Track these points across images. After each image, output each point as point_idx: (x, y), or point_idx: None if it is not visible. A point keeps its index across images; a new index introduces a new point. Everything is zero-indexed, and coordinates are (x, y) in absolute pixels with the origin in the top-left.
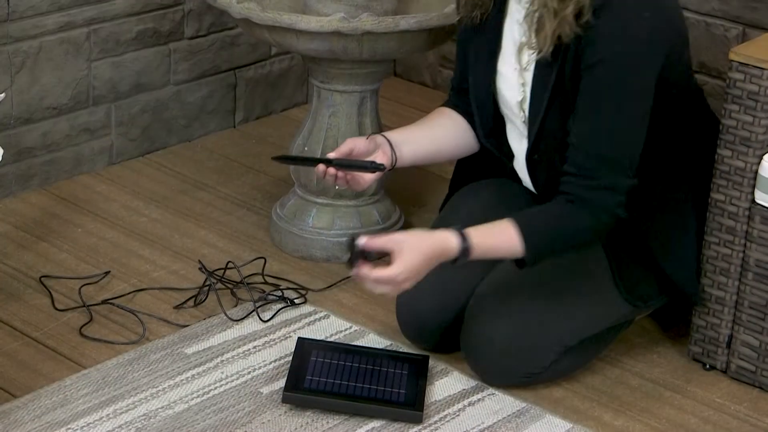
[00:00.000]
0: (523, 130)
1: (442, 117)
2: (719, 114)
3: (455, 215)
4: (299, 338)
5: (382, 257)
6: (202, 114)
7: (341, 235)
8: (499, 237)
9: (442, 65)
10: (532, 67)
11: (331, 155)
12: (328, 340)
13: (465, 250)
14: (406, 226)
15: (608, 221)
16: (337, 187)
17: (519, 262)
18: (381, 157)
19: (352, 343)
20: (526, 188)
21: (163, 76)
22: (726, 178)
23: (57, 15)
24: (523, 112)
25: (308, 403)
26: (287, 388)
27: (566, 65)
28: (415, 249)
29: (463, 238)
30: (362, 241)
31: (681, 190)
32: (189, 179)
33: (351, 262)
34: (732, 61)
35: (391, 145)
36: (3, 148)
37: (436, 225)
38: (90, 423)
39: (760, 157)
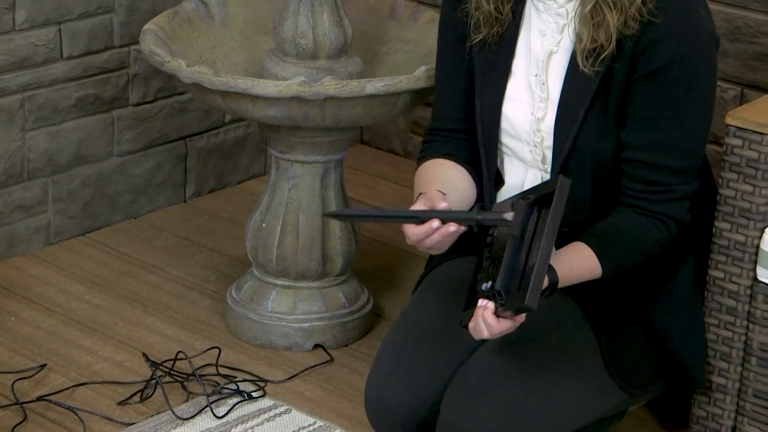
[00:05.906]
0: (535, 156)
1: (445, 168)
2: (717, 183)
3: (432, 297)
4: None
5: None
6: (149, 188)
7: (303, 321)
8: (580, 263)
9: (413, 131)
10: (560, 80)
11: (419, 207)
12: None
13: (554, 285)
14: (377, 309)
15: (676, 230)
16: (429, 250)
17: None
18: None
19: None
20: None
21: (105, 146)
22: (725, 254)
23: None
24: (539, 132)
25: None
26: None
27: (616, 71)
28: None
29: (552, 272)
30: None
31: (686, 264)
32: (135, 260)
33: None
34: (729, 125)
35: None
36: None
37: (411, 310)
38: None
39: (762, 230)
